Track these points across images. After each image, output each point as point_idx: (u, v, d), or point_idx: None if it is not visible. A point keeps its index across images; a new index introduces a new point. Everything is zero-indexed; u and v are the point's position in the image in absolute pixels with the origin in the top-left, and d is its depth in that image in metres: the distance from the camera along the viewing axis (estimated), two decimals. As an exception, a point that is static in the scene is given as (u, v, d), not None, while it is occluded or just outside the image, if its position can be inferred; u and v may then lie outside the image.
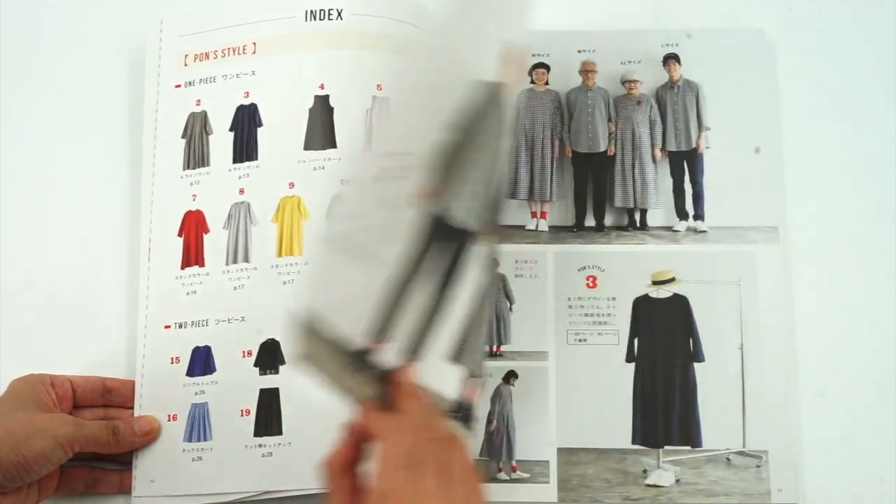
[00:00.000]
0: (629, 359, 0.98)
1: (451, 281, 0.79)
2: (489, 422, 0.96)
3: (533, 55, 1.06)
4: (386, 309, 0.77)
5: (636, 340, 0.98)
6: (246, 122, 1.00)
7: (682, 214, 1.03)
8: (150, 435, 0.92)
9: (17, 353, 0.98)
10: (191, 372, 0.95)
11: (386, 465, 0.68)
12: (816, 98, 1.05)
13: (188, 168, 1.00)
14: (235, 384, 0.94)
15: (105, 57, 1.07)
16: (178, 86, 1.02)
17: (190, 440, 0.93)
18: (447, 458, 0.68)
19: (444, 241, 0.79)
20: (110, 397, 0.94)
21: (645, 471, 0.95)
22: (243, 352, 0.94)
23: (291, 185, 0.97)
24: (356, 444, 0.73)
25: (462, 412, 0.87)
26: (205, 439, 0.93)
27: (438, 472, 0.67)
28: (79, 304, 1.00)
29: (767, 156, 1.02)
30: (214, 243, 0.98)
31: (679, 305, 0.99)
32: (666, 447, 0.96)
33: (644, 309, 0.99)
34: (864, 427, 0.96)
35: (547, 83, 1.06)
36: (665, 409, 0.97)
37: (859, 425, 0.96)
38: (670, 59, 1.05)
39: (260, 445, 0.92)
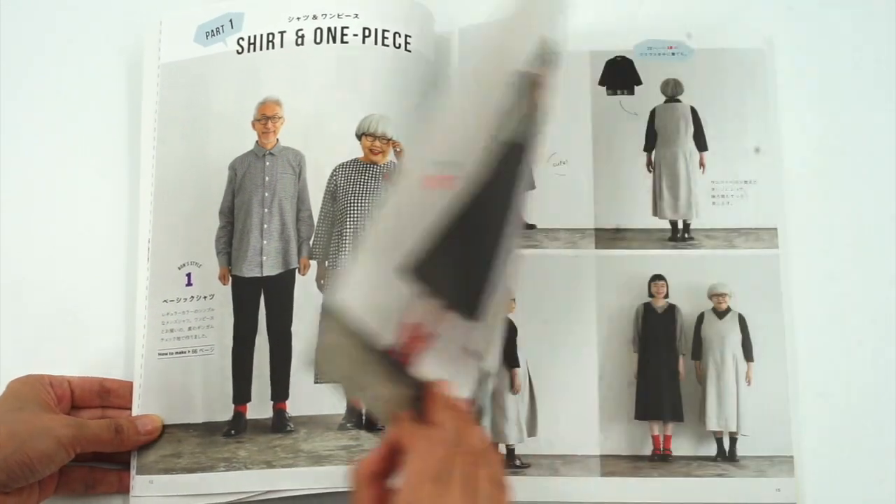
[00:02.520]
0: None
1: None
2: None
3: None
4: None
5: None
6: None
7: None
8: (153, 434, 0.92)
9: (14, 354, 0.98)
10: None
11: (412, 477, 0.68)
12: (816, 98, 1.04)
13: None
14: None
15: (103, 61, 1.07)
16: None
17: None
18: (475, 472, 0.69)
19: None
20: (108, 398, 0.94)
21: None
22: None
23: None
24: (388, 454, 0.72)
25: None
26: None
27: (465, 486, 0.67)
28: (77, 304, 1.00)
29: (767, 156, 1.02)
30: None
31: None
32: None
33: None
34: (864, 427, 0.95)
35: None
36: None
37: (859, 425, 0.95)
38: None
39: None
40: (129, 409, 0.94)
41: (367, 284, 0.74)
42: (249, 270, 0.96)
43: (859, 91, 1.05)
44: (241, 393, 0.93)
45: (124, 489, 0.92)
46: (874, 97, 1.04)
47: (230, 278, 0.96)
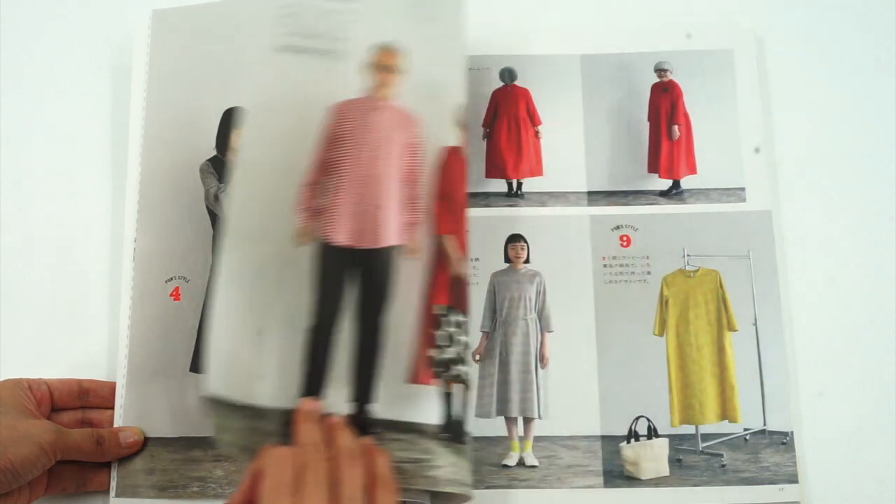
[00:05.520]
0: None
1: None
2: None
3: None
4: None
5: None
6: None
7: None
8: (134, 446, 0.91)
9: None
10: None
11: (267, 494, 0.71)
12: (815, 97, 1.05)
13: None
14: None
15: (92, 58, 1.07)
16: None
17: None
18: (339, 477, 0.72)
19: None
20: (87, 398, 0.93)
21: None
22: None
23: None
24: (251, 485, 0.75)
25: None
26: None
27: (322, 491, 0.71)
28: (60, 306, 0.99)
29: (762, 155, 1.02)
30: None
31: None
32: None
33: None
34: (864, 427, 0.95)
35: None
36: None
37: (859, 425, 0.95)
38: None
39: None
40: (109, 408, 0.93)
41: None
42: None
43: (858, 91, 1.06)
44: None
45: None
46: (873, 97, 1.05)
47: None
